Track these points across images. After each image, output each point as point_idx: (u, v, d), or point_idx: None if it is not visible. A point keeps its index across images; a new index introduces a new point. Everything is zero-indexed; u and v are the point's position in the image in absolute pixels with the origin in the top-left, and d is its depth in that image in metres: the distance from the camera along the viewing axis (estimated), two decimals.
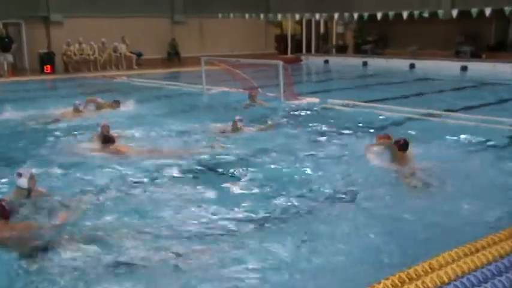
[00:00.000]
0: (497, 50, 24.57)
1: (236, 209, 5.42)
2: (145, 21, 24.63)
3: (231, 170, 6.98)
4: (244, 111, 11.80)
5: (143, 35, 24.42)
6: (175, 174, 6.79)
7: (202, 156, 7.66)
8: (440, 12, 23.05)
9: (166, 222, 5.13)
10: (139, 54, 24.50)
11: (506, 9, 20.87)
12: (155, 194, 5.98)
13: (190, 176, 6.78)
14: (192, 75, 19.56)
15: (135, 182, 6.42)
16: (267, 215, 5.28)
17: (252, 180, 6.53)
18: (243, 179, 6.58)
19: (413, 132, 8.80)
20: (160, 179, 6.55)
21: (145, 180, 6.51)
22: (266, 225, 5.05)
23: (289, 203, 5.65)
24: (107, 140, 7.66)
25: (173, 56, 26.07)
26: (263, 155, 7.73)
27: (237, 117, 9.20)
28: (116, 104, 11.75)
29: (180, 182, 6.46)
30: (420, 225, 4.97)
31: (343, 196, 5.85)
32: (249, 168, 6.99)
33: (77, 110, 11.08)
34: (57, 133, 9.29)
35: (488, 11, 21.48)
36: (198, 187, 6.21)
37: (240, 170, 6.92)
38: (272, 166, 7.17)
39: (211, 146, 8.05)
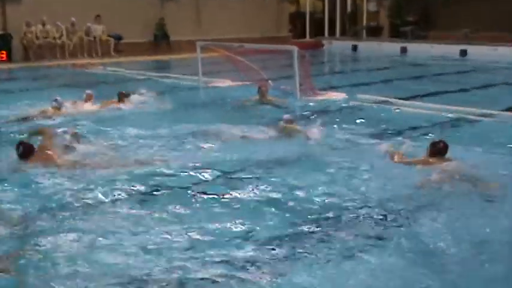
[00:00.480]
0: None
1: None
2: None
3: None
4: (252, 110, 11.83)
5: (123, 14, 24.50)
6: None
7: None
8: None
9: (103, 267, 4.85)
10: (118, 38, 24.58)
11: None
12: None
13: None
14: (185, 64, 19.65)
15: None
16: None
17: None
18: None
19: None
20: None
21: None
22: None
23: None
24: (24, 151, 7.48)
25: (161, 40, 26.16)
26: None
27: (286, 116, 9.46)
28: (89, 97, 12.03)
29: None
30: None
31: None
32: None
33: (56, 108, 11.16)
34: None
35: None
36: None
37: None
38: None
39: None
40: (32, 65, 21.06)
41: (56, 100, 11.27)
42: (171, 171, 7.47)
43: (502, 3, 25.15)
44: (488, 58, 21.96)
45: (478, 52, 23.30)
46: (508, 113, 11.13)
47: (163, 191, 6.80)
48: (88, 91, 12.34)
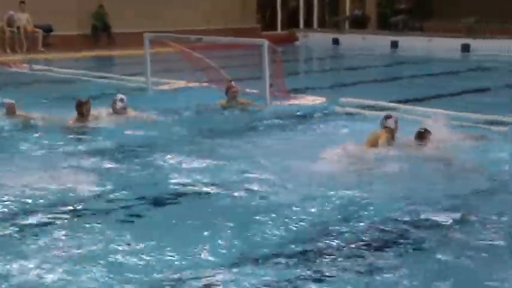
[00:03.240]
0: None
1: None
2: None
3: None
4: (218, 115, 11.92)
5: (54, 1, 24.40)
6: None
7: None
8: None
9: None
10: (48, 30, 24.42)
11: None
12: None
13: None
14: (131, 62, 19.57)
15: None
16: None
17: None
18: None
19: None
20: None
21: None
22: None
23: None
24: None
25: (100, 32, 26.08)
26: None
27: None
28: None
29: None
30: None
31: None
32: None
33: None
34: None
35: None
36: None
37: None
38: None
39: None
40: None
41: None
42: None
43: None
44: (496, 54, 22.30)
45: (483, 47, 23.67)
46: None
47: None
48: (8, 100, 11.62)
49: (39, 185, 7.67)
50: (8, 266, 5.44)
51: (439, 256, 5.59)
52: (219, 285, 5.13)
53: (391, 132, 9.09)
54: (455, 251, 5.71)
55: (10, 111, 11.41)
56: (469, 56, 23.79)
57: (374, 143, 8.95)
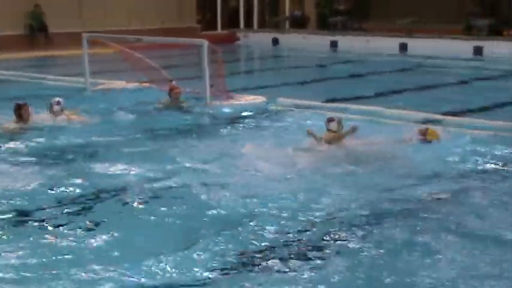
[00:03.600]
0: None
1: None
2: None
3: None
4: (160, 116, 11.92)
5: None
6: None
7: None
8: None
9: None
10: None
11: None
12: None
13: None
14: (69, 62, 19.37)
15: None
16: None
17: None
18: None
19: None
20: None
21: None
22: None
23: None
24: None
25: (37, 32, 25.75)
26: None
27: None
28: None
29: None
30: None
31: None
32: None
33: None
34: None
35: None
36: None
37: None
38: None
39: None
40: None
41: None
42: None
43: None
44: (432, 53, 22.77)
45: (420, 46, 24.12)
46: (455, 118, 11.66)
47: None
48: None
49: None
50: None
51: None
52: None
53: (334, 135, 9.30)
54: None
55: None
56: (406, 54, 24.21)
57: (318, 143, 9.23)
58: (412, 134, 9.55)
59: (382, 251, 5.84)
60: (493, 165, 8.66)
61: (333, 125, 9.42)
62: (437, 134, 9.57)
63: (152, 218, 6.81)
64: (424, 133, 9.47)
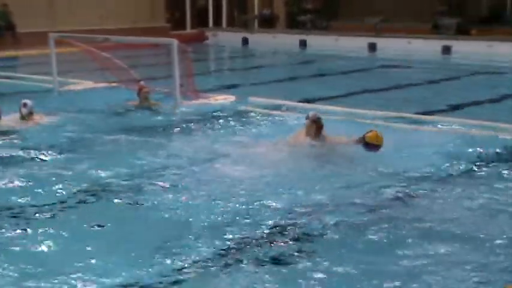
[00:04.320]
0: (491, 23, 25.97)
1: None
2: None
3: None
4: (130, 116, 11.89)
5: None
6: None
7: None
8: None
9: None
10: None
11: None
12: None
13: None
14: (36, 62, 19.21)
15: None
16: None
17: None
18: None
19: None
20: None
21: None
22: None
23: None
24: None
25: (4, 32, 25.54)
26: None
27: None
28: None
29: None
30: None
31: None
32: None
33: None
34: None
35: None
36: None
37: None
38: None
39: None
40: None
41: None
42: None
43: None
44: (401, 53, 22.99)
45: (389, 46, 24.36)
46: (420, 117, 11.79)
47: None
48: None
49: None
50: None
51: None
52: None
53: (310, 131, 9.21)
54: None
55: None
56: (375, 54, 24.40)
57: (296, 140, 9.29)
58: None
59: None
60: (457, 164, 8.70)
61: (308, 122, 9.30)
62: (376, 136, 8.80)
63: (127, 214, 6.93)
64: (360, 140, 8.85)
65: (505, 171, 8.34)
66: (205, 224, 6.53)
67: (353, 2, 28.57)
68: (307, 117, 9.27)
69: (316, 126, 9.16)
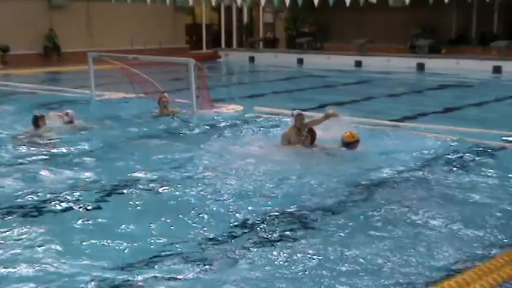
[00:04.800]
0: (459, 43, 26.09)
1: None
2: (13, 4, 24.08)
3: None
4: (153, 123, 11.94)
5: (10, 23, 23.86)
6: None
7: None
8: None
9: None
10: (4, 50, 23.88)
11: None
12: None
13: None
14: (77, 77, 19.32)
15: None
16: None
17: None
18: None
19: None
20: None
21: None
22: None
23: None
24: None
25: (51, 52, 25.65)
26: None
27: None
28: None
29: None
30: None
31: None
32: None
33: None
34: None
35: None
36: None
37: None
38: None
39: None
40: None
41: None
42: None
43: (395, 16, 26.47)
44: (383, 68, 23.10)
45: (373, 63, 24.48)
46: (398, 123, 11.82)
47: None
48: None
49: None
50: None
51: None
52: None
53: (297, 123, 9.37)
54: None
55: None
56: (361, 70, 24.49)
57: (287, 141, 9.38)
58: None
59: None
60: (428, 161, 8.79)
61: (293, 120, 9.51)
62: (351, 135, 9.04)
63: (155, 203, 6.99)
64: (341, 144, 9.03)
65: (460, 170, 8.33)
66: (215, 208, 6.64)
67: (343, 26, 28.66)
68: (292, 114, 9.58)
69: (300, 118, 9.39)
